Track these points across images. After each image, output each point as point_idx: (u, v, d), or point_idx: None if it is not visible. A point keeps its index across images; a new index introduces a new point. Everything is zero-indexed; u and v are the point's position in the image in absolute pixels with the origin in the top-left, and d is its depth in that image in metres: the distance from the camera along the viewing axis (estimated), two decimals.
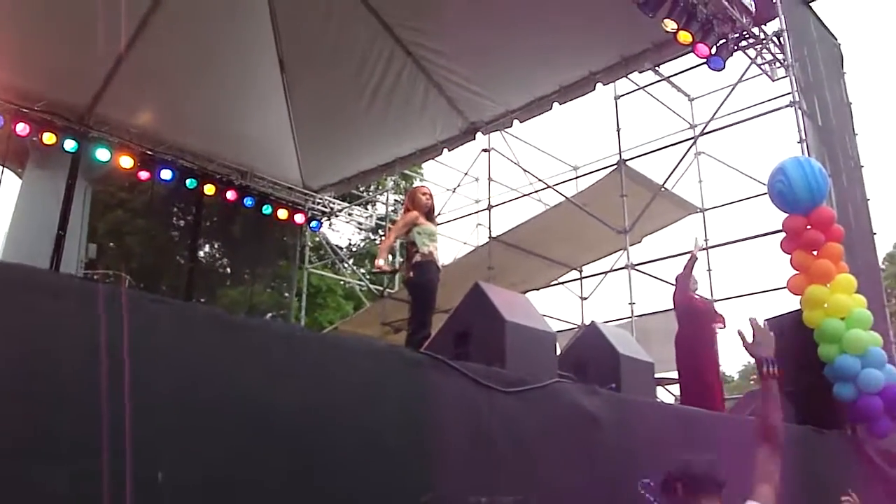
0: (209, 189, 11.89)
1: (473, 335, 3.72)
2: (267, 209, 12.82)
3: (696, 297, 7.83)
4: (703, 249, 11.37)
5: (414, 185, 7.24)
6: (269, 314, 17.55)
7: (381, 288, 14.53)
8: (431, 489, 3.02)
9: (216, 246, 19.70)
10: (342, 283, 18.89)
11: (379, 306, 13.58)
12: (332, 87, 11.07)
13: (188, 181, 11.59)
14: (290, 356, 2.69)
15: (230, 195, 12.20)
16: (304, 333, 3.16)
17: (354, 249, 22.07)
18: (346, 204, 14.99)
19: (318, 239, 15.95)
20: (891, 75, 72.57)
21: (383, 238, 6.15)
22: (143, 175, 11.21)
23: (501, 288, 4.09)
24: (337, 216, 15.10)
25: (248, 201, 12.48)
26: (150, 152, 11.12)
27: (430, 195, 6.67)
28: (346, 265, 17.07)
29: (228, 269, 19.90)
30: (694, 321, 7.46)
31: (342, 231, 22.50)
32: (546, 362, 3.89)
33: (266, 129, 11.94)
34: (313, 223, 13.72)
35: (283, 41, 10.65)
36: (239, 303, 16.08)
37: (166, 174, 11.23)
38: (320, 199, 13.70)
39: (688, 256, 7.82)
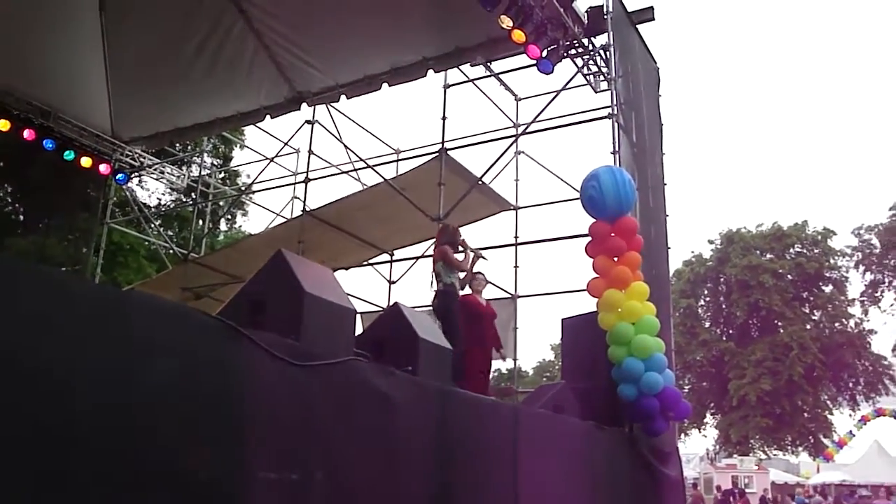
0: (3, 124, 10.89)
1: (270, 304, 3.53)
2: (69, 155, 11.99)
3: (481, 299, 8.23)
4: (512, 245, 11.69)
5: (444, 222, 8.39)
6: (62, 269, 16.44)
7: (185, 252, 13.89)
8: (211, 463, 2.83)
9: (8, 189, 18.27)
10: (146, 243, 17.97)
11: (181, 270, 12.96)
12: (155, 35, 10.42)
13: None
14: (61, 308, 2.40)
15: (27, 134, 11.25)
16: (80, 285, 2.86)
17: (164, 209, 21.08)
18: (157, 160, 14.24)
19: (125, 194, 15.07)
20: (697, 102, 78.36)
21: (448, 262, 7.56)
22: None
23: (305, 259, 3.93)
24: (148, 173, 14.35)
25: (47, 144, 11.57)
26: None
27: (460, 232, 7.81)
28: (152, 224, 16.20)
29: (21, 217, 18.51)
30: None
31: (153, 189, 21.55)
32: (344, 339, 3.76)
33: (77, 70, 11.10)
34: (119, 175, 12.93)
35: None
36: (29, 254, 14.90)
37: None
38: (130, 151, 12.94)
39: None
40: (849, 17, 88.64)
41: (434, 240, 10.36)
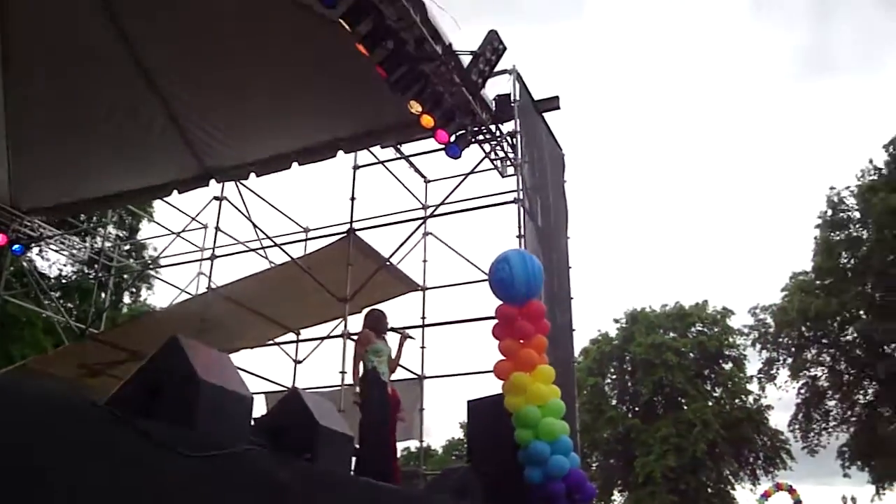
0: None
1: (164, 390, 3.43)
2: None
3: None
4: (420, 327, 11.67)
5: (371, 308, 8.36)
6: None
7: (83, 326, 13.38)
8: None
9: None
10: (44, 315, 17.28)
11: (79, 347, 12.48)
12: (61, 101, 10.00)
13: None
14: None
15: None
16: None
17: (64, 281, 20.36)
18: (58, 231, 13.80)
19: (22, 264, 14.50)
20: (603, 185, 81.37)
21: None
22: None
23: (201, 344, 3.84)
24: (48, 244, 13.86)
25: None
26: None
27: (386, 316, 7.89)
28: (51, 297, 15.57)
29: None
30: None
31: (53, 259, 20.78)
32: (240, 427, 3.68)
33: None
34: (16, 246, 12.43)
35: (9, 35, 9.29)
36: None
37: None
38: (29, 221, 12.47)
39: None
40: (748, 106, 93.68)
41: (340, 319, 10.33)
